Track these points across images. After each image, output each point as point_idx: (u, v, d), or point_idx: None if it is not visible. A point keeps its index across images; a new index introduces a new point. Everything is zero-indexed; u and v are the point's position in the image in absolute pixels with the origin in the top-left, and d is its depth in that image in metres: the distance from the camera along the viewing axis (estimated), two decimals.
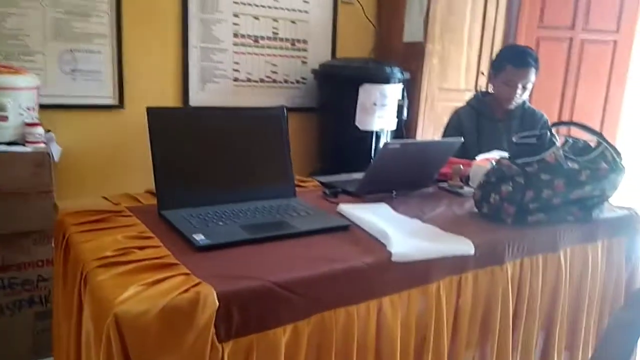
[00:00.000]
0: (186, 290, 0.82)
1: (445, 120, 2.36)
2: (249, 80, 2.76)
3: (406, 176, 1.58)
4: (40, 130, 1.84)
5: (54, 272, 1.22)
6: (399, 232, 1.17)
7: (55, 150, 1.93)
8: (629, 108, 3.34)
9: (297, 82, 2.92)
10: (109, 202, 1.28)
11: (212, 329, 0.83)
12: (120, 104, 2.40)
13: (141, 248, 0.98)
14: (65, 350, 1.09)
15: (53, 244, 1.34)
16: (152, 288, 0.82)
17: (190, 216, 1.16)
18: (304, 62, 2.92)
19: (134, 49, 2.40)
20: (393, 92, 2.69)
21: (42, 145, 1.83)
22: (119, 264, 0.90)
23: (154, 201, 1.26)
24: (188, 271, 0.89)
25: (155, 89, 2.48)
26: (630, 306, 0.71)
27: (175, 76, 2.55)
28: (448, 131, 2.29)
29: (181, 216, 1.15)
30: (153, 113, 1.22)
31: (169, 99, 2.54)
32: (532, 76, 2.09)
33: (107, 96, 2.37)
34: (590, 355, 1.59)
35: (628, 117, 3.36)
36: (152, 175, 1.21)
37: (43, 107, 2.04)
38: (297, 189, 1.43)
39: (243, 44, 2.71)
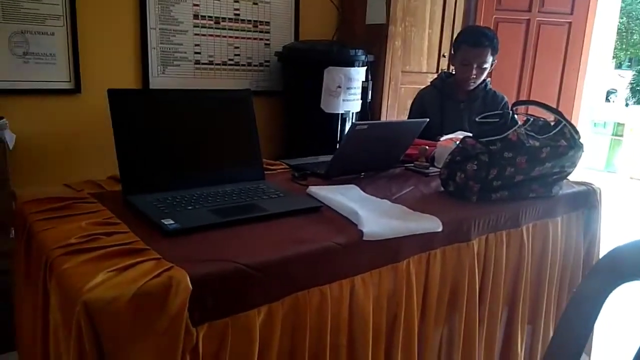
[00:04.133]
0: (158, 275, 0.80)
1: (408, 102, 2.39)
2: (210, 63, 2.70)
3: (374, 157, 1.60)
4: None
5: (15, 264, 1.18)
6: (369, 212, 1.18)
7: (9, 138, 1.85)
8: (584, 86, 3.46)
9: (261, 65, 2.88)
10: (71, 189, 1.23)
11: (186, 313, 0.82)
12: (77, 88, 2.30)
13: (108, 234, 0.95)
14: (31, 344, 1.06)
15: (13, 234, 1.29)
16: (123, 274, 0.80)
17: (158, 201, 1.13)
18: (267, 45, 2.88)
19: (90, 30, 2.30)
20: (357, 74, 2.69)
21: None
22: (85, 251, 0.87)
23: (118, 187, 1.22)
24: (159, 256, 0.87)
25: (113, 72, 2.40)
26: (590, 277, 0.74)
27: (134, 59, 2.47)
28: (413, 112, 2.32)
29: (148, 201, 1.12)
30: (114, 95, 1.18)
31: (128, 83, 2.46)
32: (488, 56, 2.12)
33: (63, 80, 2.27)
34: (552, 329, 1.66)
35: (583, 96, 3.49)
36: (113, 162, 1.18)
37: None
38: (265, 172, 1.42)
39: (204, 26, 2.64)
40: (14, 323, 1.25)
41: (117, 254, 0.87)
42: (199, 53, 2.65)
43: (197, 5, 2.59)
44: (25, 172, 2.11)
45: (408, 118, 2.36)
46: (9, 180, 1.69)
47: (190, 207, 1.12)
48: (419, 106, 2.30)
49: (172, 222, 1.02)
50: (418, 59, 3.11)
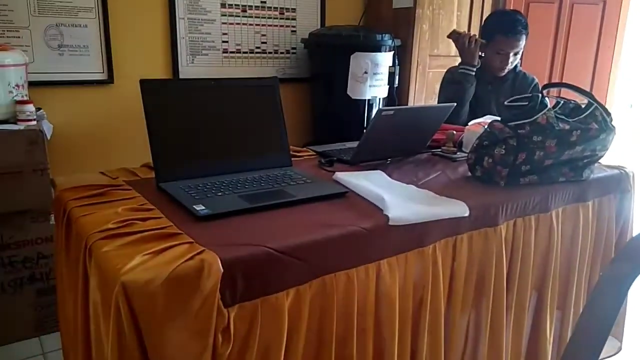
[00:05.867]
0: (191, 258, 0.84)
1: (437, 86, 2.36)
2: (238, 51, 2.73)
3: (400, 143, 1.60)
4: (31, 107, 1.82)
5: (55, 248, 1.24)
6: (395, 197, 1.19)
7: (47, 128, 1.92)
8: (618, 68, 3.35)
9: (287, 52, 2.89)
10: (107, 176, 1.28)
11: (218, 295, 0.85)
12: (110, 79, 2.37)
13: (143, 219, 0.99)
14: (72, 323, 1.11)
15: (52, 221, 1.35)
16: (158, 257, 0.84)
17: (189, 187, 1.17)
18: (293, 32, 2.89)
19: (121, 22, 2.36)
20: (384, 60, 2.67)
21: (34, 123, 1.82)
22: (122, 235, 0.91)
23: (151, 175, 1.26)
24: (191, 240, 0.91)
25: (144, 62, 2.45)
26: (618, 260, 0.74)
27: (164, 49, 2.52)
28: (445, 86, 2.26)
29: (180, 188, 1.16)
30: (146, 85, 1.22)
31: (158, 72, 2.51)
32: (523, 42, 2.09)
33: (97, 71, 2.34)
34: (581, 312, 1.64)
35: (617, 78, 3.38)
36: (144, 148, 1.22)
37: (32, 84, 2.01)
38: (292, 158, 1.44)
39: (231, 14, 2.67)
40: (56, 305, 1.32)
41: (152, 238, 0.91)
42: (227, 42, 2.68)
43: None
44: (62, 160, 2.20)
45: (440, 93, 2.29)
46: (47, 169, 1.76)
47: (220, 193, 1.16)
48: (450, 79, 2.22)
49: (203, 207, 1.06)
50: (446, 42, 3.06)
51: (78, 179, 1.23)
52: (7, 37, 2.12)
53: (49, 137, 1.93)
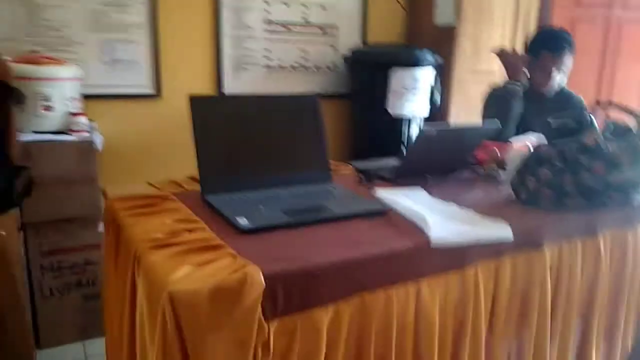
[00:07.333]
0: (235, 271, 0.86)
1: (477, 103, 2.33)
2: (280, 67, 2.78)
3: (442, 161, 1.58)
4: (84, 119, 1.91)
5: (105, 255, 1.28)
6: (437, 216, 1.18)
7: (98, 140, 2.01)
8: None
9: (328, 68, 2.93)
10: (155, 188, 1.33)
11: (259, 308, 0.87)
12: (158, 93, 2.46)
13: (189, 231, 1.02)
14: (118, 329, 1.15)
15: (101, 229, 1.40)
16: (203, 268, 0.86)
17: (233, 201, 1.20)
18: (334, 48, 2.92)
19: (169, 38, 2.45)
20: (424, 75, 2.67)
21: (87, 134, 1.90)
22: (170, 245, 0.94)
23: (196, 187, 1.30)
24: (235, 252, 0.93)
25: (190, 77, 2.54)
26: None
27: (209, 64, 2.59)
28: (490, 103, 2.19)
29: (224, 201, 1.19)
30: (195, 101, 1.26)
31: (203, 87, 2.59)
32: (568, 60, 2.06)
33: (146, 85, 2.43)
34: (630, 346, 1.57)
35: None
36: (191, 162, 1.26)
37: (84, 97, 2.11)
38: (332, 174, 1.46)
39: (274, 31, 2.73)
40: (103, 310, 1.36)
41: (198, 249, 0.93)
42: (269, 57, 2.74)
43: (267, 11, 2.68)
44: (111, 171, 2.28)
45: (484, 109, 2.24)
46: (97, 180, 1.84)
47: (262, 207, 1.18)
48: (495, 96, 2.18)
49: (245, 220, 1.08)
50: (488, 58, 3.03)
51: (127, 189, 1.28)
52: (64, 52, 2.24)
53: (100, 149, 2.02)
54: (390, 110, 2.67)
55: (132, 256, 0.98)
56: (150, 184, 1.35)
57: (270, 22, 2.70)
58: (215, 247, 0.95)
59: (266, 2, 2.67)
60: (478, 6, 2.88)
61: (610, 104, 1.47)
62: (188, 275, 0.84)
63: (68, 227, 1.88)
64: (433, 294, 1.09)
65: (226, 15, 2.58)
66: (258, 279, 0.86)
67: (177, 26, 2.46)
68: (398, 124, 2.71)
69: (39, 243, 1.85)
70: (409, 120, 2.71)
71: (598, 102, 1.53)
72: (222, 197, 1.21)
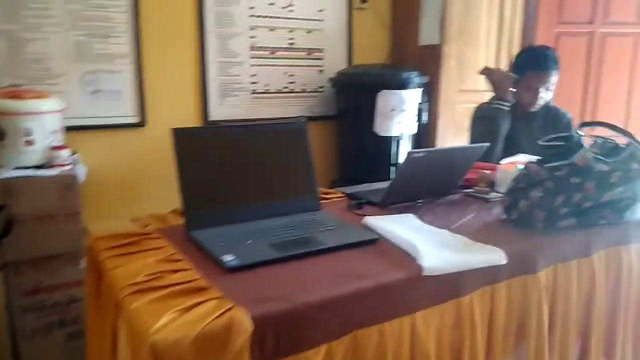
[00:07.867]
0: (220, 316, 0.82)
1: (464, 122, 2.32)
2: (267, 92, 2.77)
3: (431, 184, 1.57)
4: (66, 153, 1.87)
5: (86, 294, 1.24)
6: (428, 244, 1.16)
7: (81, 172, 1.96)
8: None
9: (315, 91, 2.92)
10: (138, 224, 1.29)
11: (247, 353, 0.83)
12: (142, 121, 2.42)
13: (173, 272, 0.98)
14: None
15: (82, 265, 1.36)
16: (186, 314, 0.83)
17: (219, 235, 1.16)
18: (320, 71, 2.92)
19: (154, 67, 2.43)
20: (411, 97, 2.67)
21: (69, 167, 1.86)
22: (151, 290, 0.91)
23: (180, 221, 1.26)
24: (220, 295, 0.89)
25: (175, 105, 2.51)
26: None
27: (195, 92, 2.57)
28: (477, 122, 2.20)
29: (209, 236, 1.16)
30: (178, 133, 1.23)
31: (189, 114, 2.56)
32: (554, 78, 2.07)
33: (129, 115, 2.40)
34: None
35: None
36: (174, 191, 1.22)
37: (67, 128, 2.07)
38: (321, 201, 1.43)
39: (260, 56, 2.72)
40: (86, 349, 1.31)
41: (181, 293, 0.89)
42: (256, 82, 2.73)
43: (253, 37, 2.68)
44: (95, 202, 2.23)
45: (472, 128, 2.23)
46: (79, 214, 1.79)
47: (249, 242, 1.15)
48: (481, 115, 2.18)
49: (232, 257, 1.04)
50: (474, 77, 3.04)
51: (109, 226, 1.24)
52: (46, 84, 2.20)
53: (82, 180, 1.97)
54: (377, 132, 2.66)
55: (113, 302, 0.94)
56: (134, 220, 1.31)
57: (256, 47, 2.69)
58: (199, 290, 0.91)
59: (252, 28, 2.67)
60: (462, 26, 2.89)
61: (600, 122, 1.47)
62: (170, 323, 0.80)
63: (50, 264, 1.82)
64: (428, 326, 1.06)
65: (211, 42, 2.57)
66: (245, 323, 0.82)
67: (162, 55, 2.44)
68: (386, 143, 2.70)
69: (20, 282, 1.80)
70: (397, 141, 2.71)
71: (586, 123, 1.53)
72: (208, 232, 1.18)
